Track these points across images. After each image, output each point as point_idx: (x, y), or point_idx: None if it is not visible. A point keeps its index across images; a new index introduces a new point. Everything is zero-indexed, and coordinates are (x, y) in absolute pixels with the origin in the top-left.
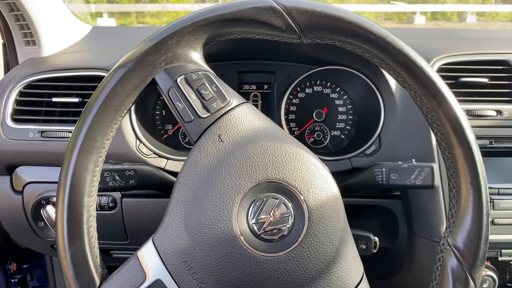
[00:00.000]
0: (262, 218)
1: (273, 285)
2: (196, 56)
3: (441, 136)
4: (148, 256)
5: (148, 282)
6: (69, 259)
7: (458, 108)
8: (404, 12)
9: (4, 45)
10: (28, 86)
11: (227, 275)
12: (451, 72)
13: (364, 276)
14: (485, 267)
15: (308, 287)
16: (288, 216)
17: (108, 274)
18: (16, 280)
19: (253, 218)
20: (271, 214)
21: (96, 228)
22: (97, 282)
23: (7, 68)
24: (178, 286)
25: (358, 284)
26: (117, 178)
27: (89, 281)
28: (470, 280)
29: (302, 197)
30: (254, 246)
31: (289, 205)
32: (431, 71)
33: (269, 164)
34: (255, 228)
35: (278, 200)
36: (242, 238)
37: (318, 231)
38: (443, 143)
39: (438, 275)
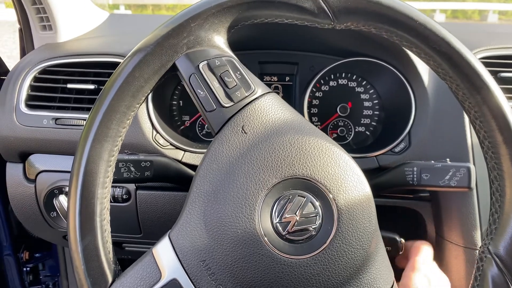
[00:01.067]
0: (287, 217)
1: None
2: (220, 40)
3: (485, 134)
4: (164, 253)
5: (163, 281)
6: (81, 253)
7: (506, 104)
8: (424, 10)
9: (20, 30)
10: (43, 71)
11: (248, 277)
12: (490, 67)
13: (395, 284)
14: None
15: None
16: (316, 216)
17: (121, 270)
18: (28, 268)
19: (277, 217)
20: (297, 213)
21: (109, 222)
22: (110, 279)
23: (23, 54)
24: (195, 286)
25: None
26: (132, 169)
27: (101, 277)
28: None
29: (331, 196)
30: (278, 247)
31: (317, 204)
32: (477, 62)
33: (296, 159)
34: (280, 227)
35: (305, 199)
36: (265, 238)
37: (348, 233)
38: (486, 142)
39: (477, 285)
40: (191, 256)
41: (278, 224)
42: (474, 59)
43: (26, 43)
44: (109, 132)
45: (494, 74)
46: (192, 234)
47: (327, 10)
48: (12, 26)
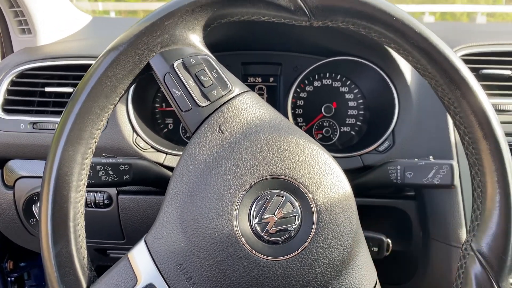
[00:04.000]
0: (265, 218)
1: None
2: (195, 39)
3: (465, 129)
4: (139, 258)
5: (139, 286)
6: (53, 259)
7: (485, 99)
8: (413, 13)
9: None
10: (21, 75)
11: (226, 280)
12: (471, 64)
13: (378, 283)
14: None
15: None
16: (295, 216)
17: (96, 276)
18: (12, 278)
19: (255, 218)
20: (275, 213)
21: (84, 227)
22: (84, 285)
23: (2, 58)
24: None
25: None
26: (111, 172)
27: (74, 284)
28: None
29: (310, 195)
30: (257, 249)
31: (296, 204)
32: (455, 57)
33: (274, 158)
34: (258, 228)
35: (283, 198)
36: (243, 239)
37: (328, 233)
38: (466, 138)
39: (461, 283)
40: (167, 260)
41: (256, 225)
42: (452, 54)
43: (5, 47)
44: (82, 134)
45: (476, 71)
46: (168, 237)
47: (304, 7)
48: None
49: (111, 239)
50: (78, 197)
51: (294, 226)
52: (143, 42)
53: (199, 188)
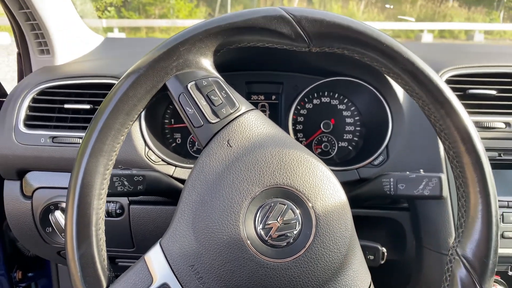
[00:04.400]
0: (269, 224)
1: None
2: (207, 63)
3: (449, 145)
4: (155, 259)
5: (154, 285)
6: (77, 261)
7: (466, 117)
8: (412, 30)
9: (19, 54)
10: (41, 92)
11: (233, 280)
12: (459, 84)
13: (372, 285)
14: (495, 281)
15: None
16: (296, 222)
17: (115, 277)
18: None
19: (260, 223)
20: (278, 219)
21: (104, 231)
22: (104, 285)
23: (20, 77)
24: None
25: None
26: (126, 183)
27: (96, 283)
28: None
29: (310, 204)
30: (261, 251)
31: (297, 211)
32: (439, 80)
33: (277, 170)
34: (262, 233)
35: (285, 206)
36: (249, 243)
37: (326, 238)
38: (451, 152)
39: (447, 285)
40: (180, 261)
41: (261, 230)
42: (437, 77)
43: (24, 66)
44: (105, 147)
45: (463, 90)
46: (182, 241)
47: (304, 35)
48: (6, 50)
49: (121, 247)
50: (100, 204)
51: (295, 232)
52: (160, 66)
53: (209, 196)
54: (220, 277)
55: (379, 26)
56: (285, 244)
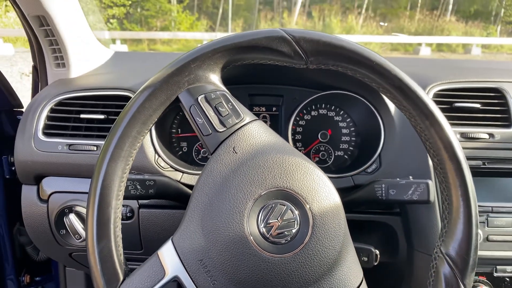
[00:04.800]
0: (270, 223)
1: (280, 284)
2: (215, 78)
3: (434, 153)
4: (167, 254)
5: (166, 278)
6: (97, 255)
7: (449, 128)
8: (410, 44)
9: (34, 67)
10: (59, 103)
11: (238, 273)
12: (446, 98)
13: (364, 280)
14: (481, 282)
15: (312, 287)
16: (294, 221)
17: (130, 271)
18: None
19: (262, 222)
20: (278, 219)
21: (121, 229)
22: (121, 277)
23: (35, 88)
24: (193, 282)
25: (358, 287)
26: (138, 187)
27: (113, 276)
28: (462, 285)
29: (307, 205)
30: (263, 248)
31: (295, 211)
32: (424, 94)
33: (278, 174)
34: (264, 231)
35: (285, 207)
36: (252, 239)
37: (321, 235)
38: (435, 160)
39: (432, 281)
40: (190, 256)
41: (263, 228)
42: (422, 92)
43: (41, 79)
44: (123, 153)
45: (449, 104)
46: (192, 238)
47: (302, 54)
48: (9, 61)
49: (130, 249)
50: (118, 204)
51: (293, 230)
52: (173, 80)
53: (217, 198)
54: (226, 270)
55: (378, 40)
56: (285, 241)
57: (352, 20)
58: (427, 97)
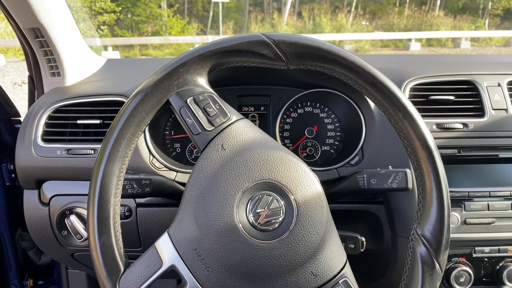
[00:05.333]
0: (258, 212)
1: (268, 268)
2: (202, 81)
3: (407, 142)
4: (164, 246)
5: (164, 267)
6: (99, 249)
7: (420, 119)
8: (400, 39)
9: (29, 77)
10: (56, 110)
11: (229, 260)
12: (422, 91)
13: (347, 263)
14: (461, 263)
15: (298, 270)
16: (280, 210)
17: (130, 263)
18: None
19: (251, 212)
20: (266, 208)
21: (120, 224)
22: (122, 269)
23: (31, 97)
24: (189, 270)
25: (342, 269)
26: (135, 186)
27: (115, 267)
28: (436, 263)
29: (292, 195)
30: (252, 235)
31: (281, 201)
32: (396, 88)
33: (264, 167)
34: (253, 220)
35: (271, 197)
36: (242, 228)
37: (306, 222)
38: (409, 149)
39: (410, 260)
40: (185, 246)
41: (251, 217)
42: (394, 86)
43: (37, 88)
44: (119, 153)
45: (425, 97)
46: (186, 229)
47: (282, 56)
48: (1, 71)
49: (129, 247)
50: (116, 201)
51: (279, 218)
52: (164, 85)
53: (208, 191)
54: (219, 258)
55: (369, 37)
56: (272, 228)
57: (342, 19)
58: (399, 91)
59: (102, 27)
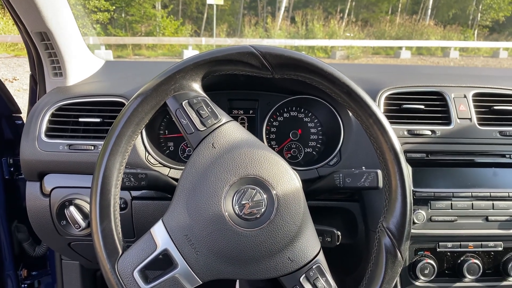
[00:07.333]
0: (243, 203)
1: (250, 253)
2: (197, 86)
3: (376, 145)
4: (158, 231)
5: (158, 250)
6: (100, 233)
7: (388, 125)
8: (391, 47)
9: (31, 76)
10: (59, 109)
11: (216, 245)
12: (396, 100)
13: (321, 251)
14: (426, 257)
15: (277, 255)
16: (262, 202)
17: (127, 247)
18: (25, 285)
19: (236, 203)
20: (250, 200)
21: (119, 212)
22: (120, 251)
23: (32, 95)
24: (180, 253)
25: (316, 256)
26: (132, 179)
27: (114, 250)
28: (398, 252)
29: (273, 189)
30: (237, 224)
31: (264, 194)
32: (368, 98)
33: (249, 164)
34: (238, 210)
35: (255, 191)
36: (228, 217)
37: (284, 213)
38: (378, 151)
39: (375, 250)
40: (177, 232)
41: (237, 208)
42: (366, 95)
43: (39, 87)
44: (120, 149)
45: (398, 105)
46: (178, 217)
47: (268, 66)
48: None
49: (124, 238)
50: (116, 192)
51: (262, 209)
52: (162, 88)
53: (199, 184)
54: (207, 243)
55: (360, 44)
56: (254, 218)
57: (334, 25)
58: (371, 100)
59: (95, 25)
